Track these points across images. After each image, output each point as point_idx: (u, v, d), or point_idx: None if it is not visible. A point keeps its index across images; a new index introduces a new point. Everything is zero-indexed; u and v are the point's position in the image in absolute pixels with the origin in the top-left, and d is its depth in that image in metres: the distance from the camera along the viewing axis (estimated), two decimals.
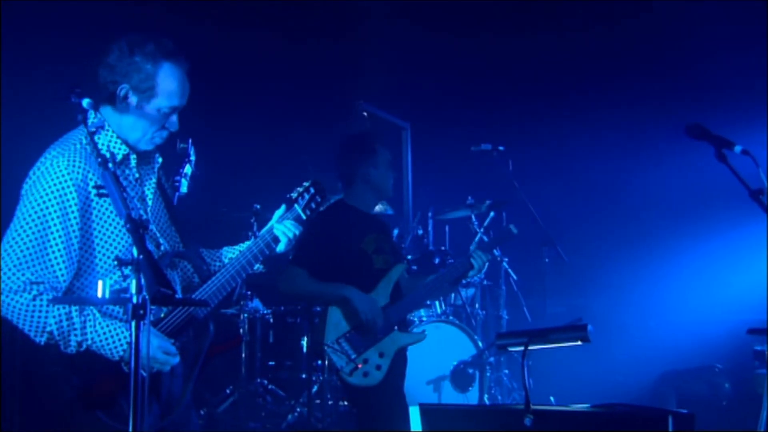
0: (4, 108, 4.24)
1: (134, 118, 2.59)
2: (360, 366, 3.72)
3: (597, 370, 5.91)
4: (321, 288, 3.83)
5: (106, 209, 2.51)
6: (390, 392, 3.77)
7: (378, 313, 3.78)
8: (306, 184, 2.94)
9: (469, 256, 3.99)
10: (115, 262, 2.43)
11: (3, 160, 4.08)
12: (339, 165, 4.09)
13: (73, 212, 2.46)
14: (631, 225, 6.73)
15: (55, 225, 2.44)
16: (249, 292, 5.57)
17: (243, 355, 5.51)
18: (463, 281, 4.09)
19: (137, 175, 2.67)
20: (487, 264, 4.04)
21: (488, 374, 5.32)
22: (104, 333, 2.45)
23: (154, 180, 2.73)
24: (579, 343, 2.49)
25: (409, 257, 5.38)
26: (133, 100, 2.57)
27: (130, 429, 2.05)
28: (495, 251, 5.63)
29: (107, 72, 2.56)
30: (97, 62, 2.59)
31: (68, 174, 2.46)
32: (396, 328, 3.85)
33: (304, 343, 5.60)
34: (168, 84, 2.58)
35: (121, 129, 2.61)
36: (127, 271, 2.45)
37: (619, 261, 6.67)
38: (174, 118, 2.64)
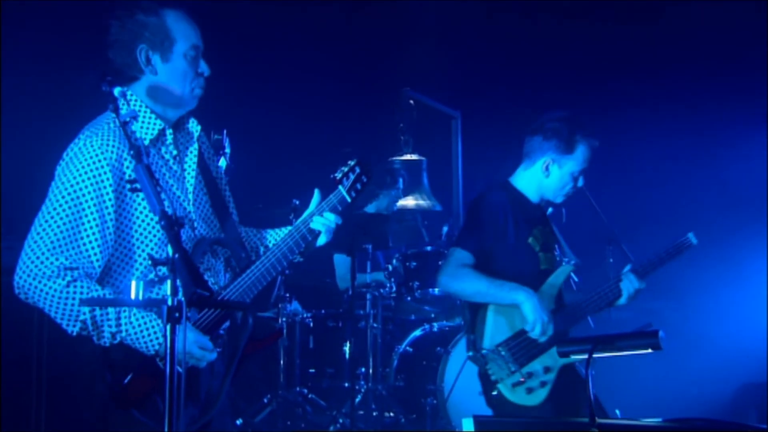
0: (4, 106, 4.33)
1: (167, 77, 2.61)
2: (524, 380, 3.43)
3: (669, 382, 5.81)
4: (493, 288, 3.47)
5: (139, 195, 2.53)
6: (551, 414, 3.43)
7: (550, 323, 3.46)
8: (351, 163, 2.90)
9: (618, 280, 3.64)
10: (149, 260, 2.48)
11: (3, 159, 4.18)
12: (528, 138, 3.73)
13: (107, 194, 2.49)
14: (709, 222, 6.56)
15: (89, 207, 2.47)
16: (287, 294, 5.60)
17: (281, 362, 5.55)
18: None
19: (175, 153, 2.68)
20: (639, 291, 3.62)
21: None
22: (139, 325, 2.48)
23: (195, 152, 2.73)
24: (649, 351, 2.46)
25: None
26: (155, 58, 2.60)
27: (166, 428, 2.09)
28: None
29: (118, 48, 2.60)
30: (105, 47, 2.63)
31: (102, 154, 2.49)
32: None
33: (347, 349, 5.62)
34: (179, 26, 2.62)
35: (157, 97, 2.63)
36: (161, 271, 2.50)
37: (694, 261, 6.51)
38: (202, 61, 2.67)
